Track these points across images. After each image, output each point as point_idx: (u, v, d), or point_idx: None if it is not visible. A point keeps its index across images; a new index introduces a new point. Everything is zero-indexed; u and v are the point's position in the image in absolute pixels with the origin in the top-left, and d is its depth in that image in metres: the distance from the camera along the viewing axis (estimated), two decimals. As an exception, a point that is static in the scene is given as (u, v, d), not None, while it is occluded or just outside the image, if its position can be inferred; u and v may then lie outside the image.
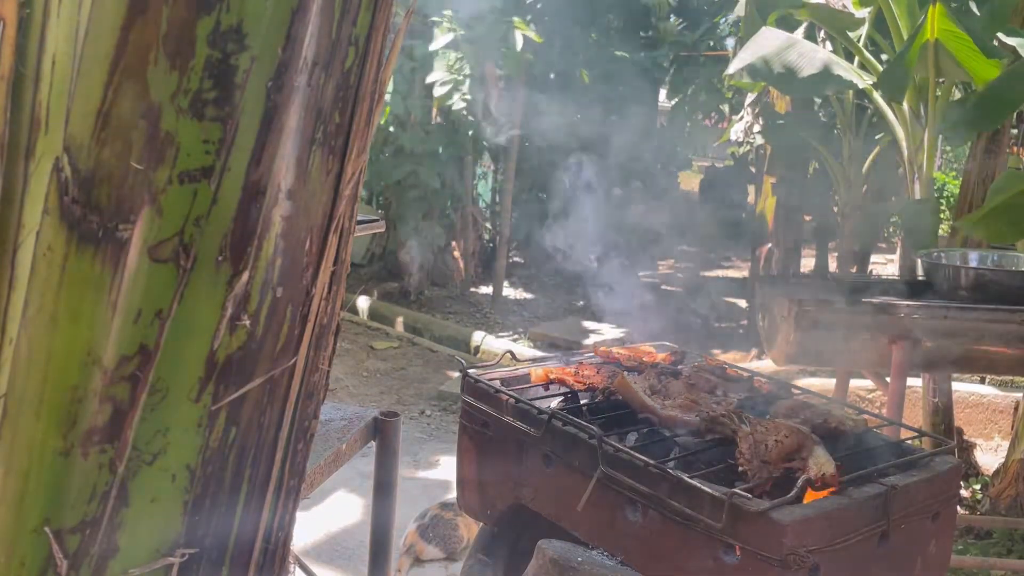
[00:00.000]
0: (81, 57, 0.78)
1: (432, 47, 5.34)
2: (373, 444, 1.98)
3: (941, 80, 3.54)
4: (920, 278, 3.45)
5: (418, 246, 6.59)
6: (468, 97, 5.43)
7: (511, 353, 1.91)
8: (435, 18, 5.43)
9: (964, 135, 3.78)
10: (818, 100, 5.74)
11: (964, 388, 4.12)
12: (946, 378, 3.32)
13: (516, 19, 5.48)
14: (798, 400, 1.59)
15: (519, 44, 5.34)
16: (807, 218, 7.21)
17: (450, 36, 5.31)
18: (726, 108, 8.92)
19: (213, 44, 0.79)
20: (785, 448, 1.33)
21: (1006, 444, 3.56)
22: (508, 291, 7.10)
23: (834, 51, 4.36)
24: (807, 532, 1.23)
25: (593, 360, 1.87)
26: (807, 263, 7.38)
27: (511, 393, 1.66)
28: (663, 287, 7.79)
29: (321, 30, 0.84)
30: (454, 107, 5.48)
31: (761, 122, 5.79)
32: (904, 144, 3.71)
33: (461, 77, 5.36)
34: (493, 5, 5.54)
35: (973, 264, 3.03)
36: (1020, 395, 3.87)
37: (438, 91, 5.41)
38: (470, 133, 6.21)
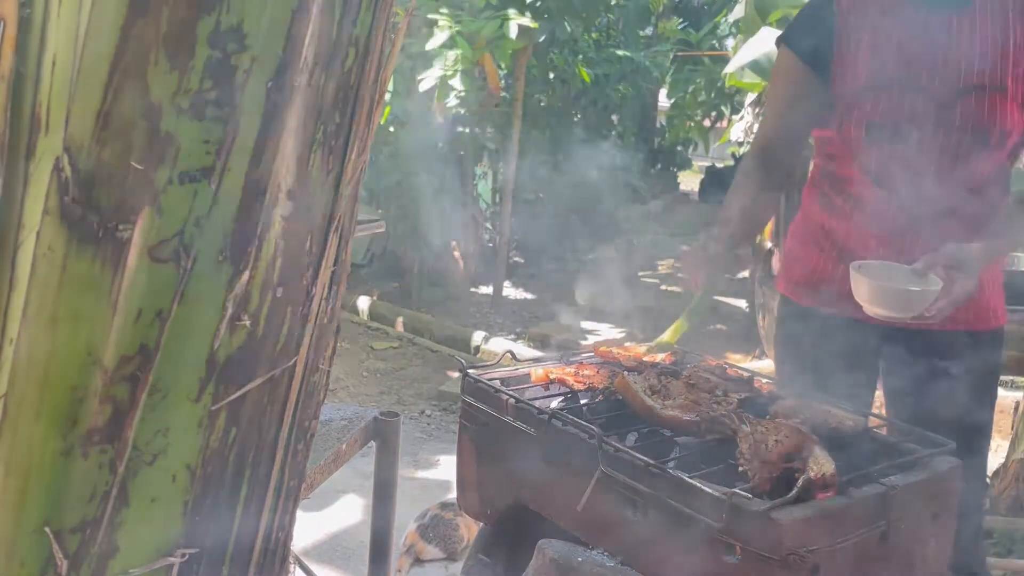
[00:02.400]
0: (81, 57, 0.78)
1: (428, 46, 5.33)
2: (373, 444, 1.98)
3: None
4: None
5: (418, 246, 6.59)
6: (462, 94, 5.42)
7: (511, 353, 1.91)
8: (431, 15, 5.43)
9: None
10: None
11: (964, 388, 4.11)
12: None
13: (512, 11, 5.47)
14: (798, 400, 1.59)
15: (512, 32, 5.32)
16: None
17: (446, 33, 5.30)
18: (727, 108, 8.93)
19: (213, 44, 0.79)
20: (785, 448, 1.33)
21: (1006, 444, 3.56)
22: (508, 291, 7.10)
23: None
24: (807, 532, 1.22)
25: (593, 360, 1.87)
26: (807, 263, 7.36)
27: (511, 393, 1.65)
28: (663, 288, 7.79)
29: (321, 30, 0.84)
30: (447, 105, 5.49)
31: (761, 122, 5.78)
32: (904, 144, 3.71)
33: (451, 72, 5.35)
34: (489, 1, 5.54)
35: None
36: (1020, 395, 3.86)
37: (423, 87, 5.42)
38: (466, 131, 6.21)
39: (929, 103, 1.69)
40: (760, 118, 5.88)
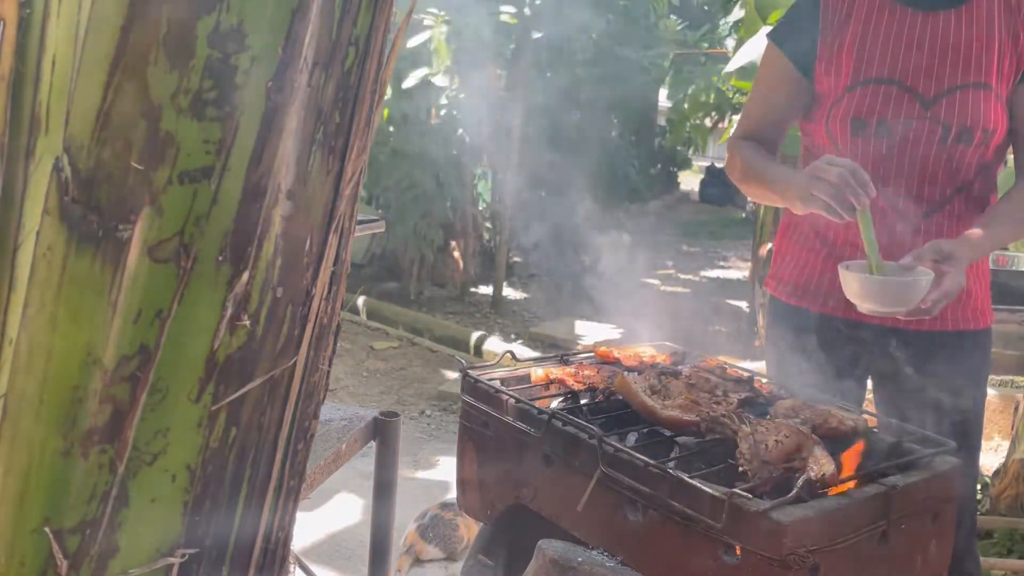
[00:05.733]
0: (81, 57, 0.78)
1: (410, 44, 5.33)
2: (373, 444, 1.98)
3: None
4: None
5: (418, 246, 6.59)
6: (452, 94, 5.43)
7: (511, 353, 1.91)
8: (419, 14, 5.43)
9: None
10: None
11: (964, 388, 4.10)
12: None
13: (504, 7, 5.48)
14: (798, 400, 1.59)
15: (495, 31, 5.34)
16: (807, 218, 7.18)
17: (427, 33, 5.30)
18: (726, 108, 8.91)
19: (213, 44, 0.79)
20: (785, 448, 1.33)
21: (1006, 444, 3.56)
22: (508, 291, 7.10)
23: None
24: (807, 532, 1.23)
25: (593, 360, 1.87)
26: (807, 263, 7.36)
27: (511, 393, 1.65)
28: (662, 288, 7.79)
29: (321, 30, 0.84)
30: (439, 106, 5.51)
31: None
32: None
33: (434, 72, 5.35)
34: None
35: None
36: (1020, 395, 3.86)
37: (406, 84, 5.42)
38: (459, 132, 6.21)
39: (913, 100, 1.70)
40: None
